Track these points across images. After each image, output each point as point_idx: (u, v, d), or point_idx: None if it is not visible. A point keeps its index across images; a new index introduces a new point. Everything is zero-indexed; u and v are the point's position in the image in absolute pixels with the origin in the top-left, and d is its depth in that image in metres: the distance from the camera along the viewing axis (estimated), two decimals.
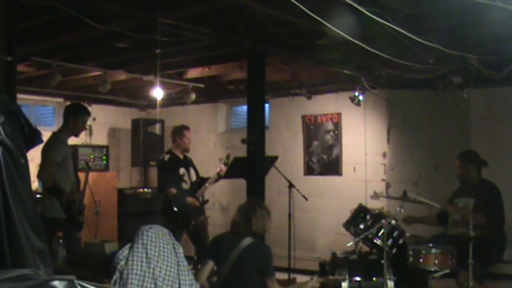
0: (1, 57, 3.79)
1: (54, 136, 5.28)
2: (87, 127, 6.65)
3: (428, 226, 6.13)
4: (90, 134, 8.91)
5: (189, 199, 6.31)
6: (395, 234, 5.32)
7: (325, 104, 7.96)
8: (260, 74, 5.68)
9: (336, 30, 4.33)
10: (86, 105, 8.47)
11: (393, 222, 5.32)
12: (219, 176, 6.35)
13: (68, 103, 8.55)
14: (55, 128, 6.17)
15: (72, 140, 5.69)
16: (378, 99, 7.37)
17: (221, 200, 8.71)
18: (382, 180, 7.46)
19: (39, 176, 5.08)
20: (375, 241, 5.30)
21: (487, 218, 5.29)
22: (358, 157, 7.64)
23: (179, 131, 6.67)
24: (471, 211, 5.15)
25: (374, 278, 5.16)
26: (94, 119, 8.86)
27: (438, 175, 7.30)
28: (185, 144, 6.59)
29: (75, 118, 5.32)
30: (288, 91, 8.04)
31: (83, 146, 8.31)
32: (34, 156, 5.00)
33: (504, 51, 5.46)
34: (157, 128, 8.90)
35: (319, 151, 7.99)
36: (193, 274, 3.04)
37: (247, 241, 4.08)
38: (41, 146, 4.29)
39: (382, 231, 5.20)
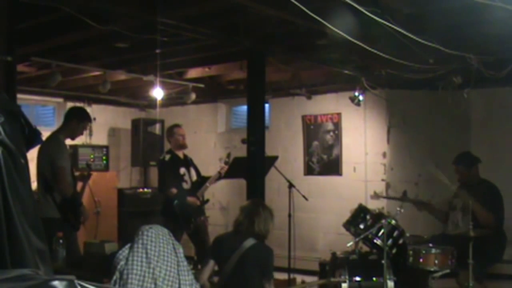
0: (1, 57, 3.79)
1: (55, 138, 5.24)
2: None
3: (428, 226, 6.12)
4: (90, 134, 8.90)
5: (190, 199, 6.30)
6: (395, 234, 5.31)
7: (325, 104, 7.96)
8: (260, 74, 5.68)
9: (336, 30, 4.34)
10: (86, 105, 8.51)
11: (393, 222, 5.32)
12: (220, 175, 6.35)
13: (68, 103, 8.56)
14: (55, 128, 6.15)
15: (72, 140, 5.70)
16: (378, 99, 7.37)
17: (221, 200, 8.71)
18: (382, 180, 7.46)
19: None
20: (375, 241, 5.30)
21: (494, 218, 5.31)
22: (358, 157, 7.64)
23: (169, 131, 6.73)
24: (474, 203, 5.14)
25: (374, 278, 5.16)
26: (94, 119, 8.85)
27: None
28: (178, 141, 6.57)
29: (78, 123, 5.34)
30: (288, 91, 8.04)
31: (83, 146, 8.30)
32: (34, 156, 5.00)
33: (504, 51, 5.46)
34: (157, 128, 8.90)
35: (319, 151, 7.99)
36: (193, 274, 3.04)
37: (250, 242, 4.08)
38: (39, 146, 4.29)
39: (382, 231, 5.20)
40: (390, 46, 5.15)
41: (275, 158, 6.39)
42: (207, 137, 9.12)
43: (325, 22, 4.13)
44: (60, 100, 8.73)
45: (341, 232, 6.14)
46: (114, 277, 2.83)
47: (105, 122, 9.28)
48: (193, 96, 7.76)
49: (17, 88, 4.28)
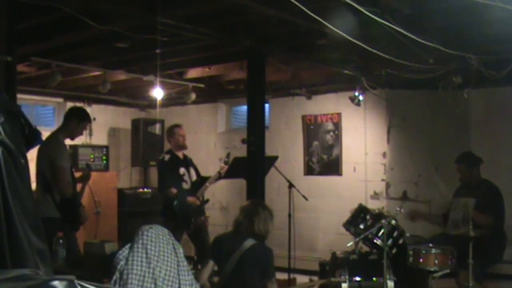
0: (1, 57, 3.79)
1: (55, 138, 5.22)
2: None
3: (428, 226, 6.12)
4: (90, 134, 8.90)
5: (190, 199, 6.30)
6: (395, 234, 5.32)
7: (325, 104, 7.96)
8: (260, 74, 5.67)
9: (336, 30, 4.34)
10: (86, 105, 8.51)
11: (393, 222, 5.33)
12: (219, 175, 6.35)
13: (68, 103, 8.56)
14: (55, 128, 6.15)
15: (71, 140, 5.69)
16: (378, 99, 7.37)
17: (221, 200, 8.71)
18: (382, 180, 7.46)
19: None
20: (375, 241, 5.30)
21: (493, 219, 5.32)
22: (358, 157, 7.64)
23: (169, 131, 6.74)
24: (473, 210, 5.16)
25: (374, 278, 5.16)
26: (94, 119, 8.85)
27: (438, 175, 7.30)
28: (178, 142, 6.58)
29: (77, 123, 5.33)
30: (288, 91, 8.04)
31: (83, 146, 8.30)
32: (34, 156, 5.00)
33: (504, 51, 5.46)
34: (157, 128, 8.90)
35: (319, 151, 7.99)
36: (193, 274, 3.04)
37: (250, 242, 4.08)
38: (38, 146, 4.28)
39: (382, 231, 5.20)
40: (390, 46, 5.15)
41: (275, 158, 6.39)
42: (207, 137, 9.12)
43: (325, 22, 4.13)
44: (60, 100, 8.73)
45: (341, 232, 6.14)
46: (114, 277, 2.84)
47: (105, 122, 9.27)
48: (193, 96, 7.77)
49: (17, 88, 4.28)
